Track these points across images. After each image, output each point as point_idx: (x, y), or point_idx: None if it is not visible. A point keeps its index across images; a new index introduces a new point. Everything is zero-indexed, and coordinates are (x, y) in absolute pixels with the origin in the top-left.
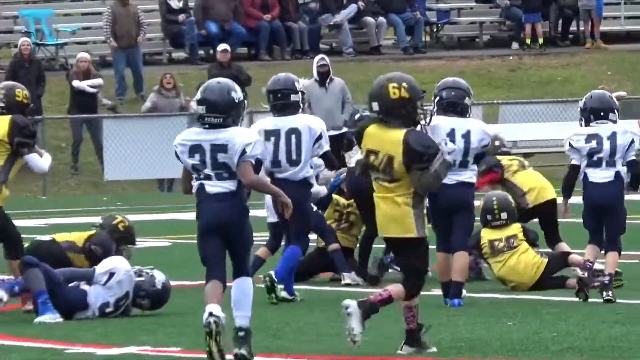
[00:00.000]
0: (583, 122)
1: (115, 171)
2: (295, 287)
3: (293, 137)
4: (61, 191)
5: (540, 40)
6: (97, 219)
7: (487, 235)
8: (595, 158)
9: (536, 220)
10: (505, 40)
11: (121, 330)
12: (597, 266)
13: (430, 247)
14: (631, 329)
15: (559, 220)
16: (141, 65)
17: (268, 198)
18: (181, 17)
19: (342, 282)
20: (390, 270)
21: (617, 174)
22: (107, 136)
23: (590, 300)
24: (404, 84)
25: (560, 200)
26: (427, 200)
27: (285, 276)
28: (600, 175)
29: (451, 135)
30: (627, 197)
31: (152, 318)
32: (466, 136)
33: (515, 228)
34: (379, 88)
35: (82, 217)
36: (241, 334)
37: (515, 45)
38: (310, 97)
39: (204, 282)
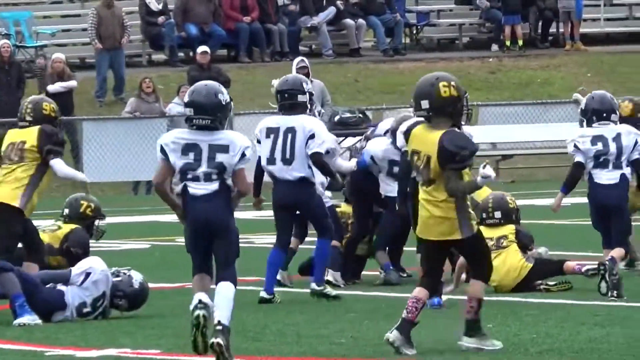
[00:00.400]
0: (585, 123)
1: (94, 173)
2: (276, 289)
3: (289, 135)
4: None
5: (520, 42)
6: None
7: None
8: (602, 159)
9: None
10: (484, 42)
11: (101, 333)
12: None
13: (409, 248)
14: (610, 331)
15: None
16: (124, 67)
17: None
18: (161, 19)
19: (324, 277)
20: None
21: (623, 175)
22: (86, 138)
23: (569, 302)
24: (452, 83)
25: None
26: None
27: (319, 272)
28: (607, 177)
29: None
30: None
31: (132, 320)
32: None
33: (508, 229)
34: (429, 86)
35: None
36: (219, 327)
37: (494, 47)
38: None
39: (184, 284)
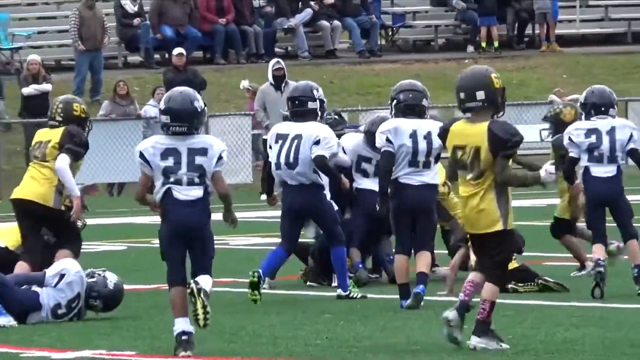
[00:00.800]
0: (583, 117)
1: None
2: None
3: (296, 142)
4: None
5: (496, 44)
6: None
7: None
8: (596, 153)
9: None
10: (460, 43)
11: (76, 334)
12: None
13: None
14: (586, 332)
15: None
16: (102, 69)
17: None
18: (136, 21)
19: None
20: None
21: (618, 168)
22: None
23: (545, 303)
24: (498, 75)
25: None
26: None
27: (342, 279)
28: (603, 170)
29: (414, 136)
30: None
31: (108, 322)
32: (428, 137)
33: None
34: (482, 77)
35: None
36: (199, 287)
37: (470, 48)
38: (265, 100)
39: (160, 285)
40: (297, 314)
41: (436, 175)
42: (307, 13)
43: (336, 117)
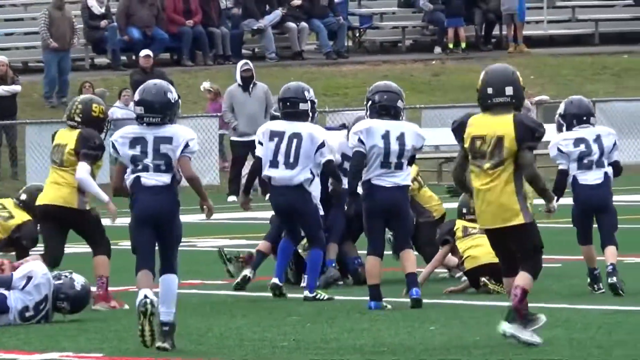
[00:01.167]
0: (565, 128)
1: (37, 177)
2: (215, 292)
3: (295, 141)
4: None
5: (463, 45)
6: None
7: (462, 223)
8: (585, 161)
9: None
10: (428, 44)
11: (43, 336)
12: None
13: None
14: (553, 333)
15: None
16: (69, 70)
17: None
18: (103, 22)
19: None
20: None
21: (606, 174)
22: (29, 142)
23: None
24: None
25: None
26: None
27: (312, 280)
28: (592, 177)
29: (386, 137)
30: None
31: (74, 324)
32: (400, 138)
33: None
34: (510, 74)
35: None
36: (165, 328)
37: (438, 49)
38: (233, 102)
39: (127, 287)
40: (264, 316)
41: (408, 176)
42: (276, 14)
43: None
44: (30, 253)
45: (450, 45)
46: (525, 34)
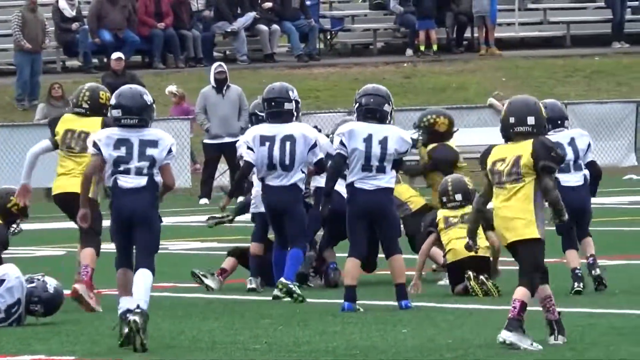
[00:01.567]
0: None
1: (8, 180)
2: (187, 295)
3: (288, 143)
4: None
5: (435, 47)
6: None
7: (443, 213)
8: (562, 165)
9: None
10: (399, 47)
11: (15, 339)
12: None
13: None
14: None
15: None
16: (40, 73)
17: (257, 188)
18: (74, 25)
19: (247, 287)
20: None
21: (584, 176)
22: (0, 145)
23: (484, 307)
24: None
25: None
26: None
27: (290, 272)
28: (573, 179)
29: (368, 140)
30: None
31: (46, 327)
32: (383, 142)
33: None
34: (533, 104)
35: None
36: (137, 310)
37: (409, 52)
38: (206, 103)
39: (99, 290)
40: (236, 319)
41: (392, 179)
42: (249, 17)
43: None
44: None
45: (422, 48)
46: (497, 37)
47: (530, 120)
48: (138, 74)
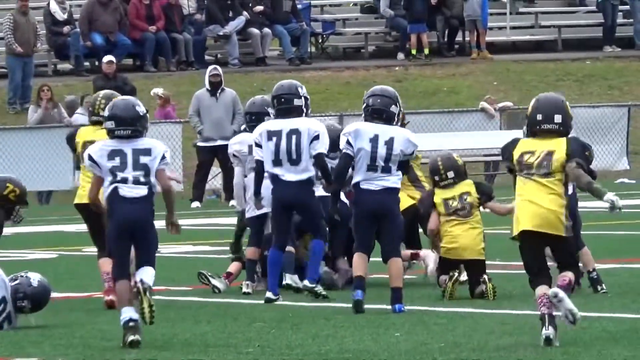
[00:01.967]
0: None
1: None
2: (180, 298)
3: (294, 137)
4: None
5: (426, 51)
6: None
7: (440, 194)
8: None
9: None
10: (390, 50)
11: (7, 343)
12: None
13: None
14: (519, 340)
15: None
16: (32, 76)
17: (251, 192)
18: (66, 28)
19: (284, 282)
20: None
21: (573, 184)
22: None
23: (477, 310)
24: None
25: None
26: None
27: (313, 270)
28: None
29: (374, 140)
30: None
31: (39, 330)
32: (389, 143)
33: (467, 184)
34: (561, 102)
35: None
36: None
37: (401, 55)
38: (200, 106)
39: (92, 293)
40: (229, 322)
41: (398, 180)
42: (241, 20)
43: None
44: None
45: (413, 52)
46: (488, 40)
47: (558, 118)
48: (129, 77)
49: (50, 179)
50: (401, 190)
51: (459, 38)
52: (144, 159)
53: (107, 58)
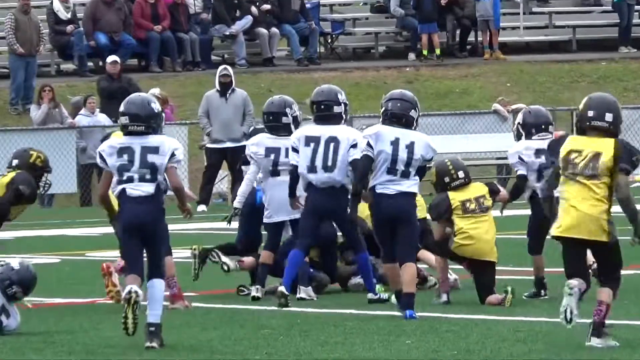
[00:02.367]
0: (524, 137)
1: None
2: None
3: (332, 145)
4: None
5: (438, 51)
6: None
7: (456, 196)
8: (544, 174)
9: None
10: (401, 51)
11: (9, 349)
12: None
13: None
14: (532, 348)
15: None
16: (35, 76)
17: (274, 197)
18: (69, 27)
19: (297, 296)
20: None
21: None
22: None
23: (490, 317)
24: None
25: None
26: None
27: (369, 282)
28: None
29: (395, 144)
30: (508, 212)
31: (41, 336)
32: (410, 147)
33: (480, 187)
34: (613, 102)
35: None
36: (152, 328)
37: (412, 56)
38: (209, 107)
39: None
40: (235, 329)
41: (415, 185)
42: (248, 20)
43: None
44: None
45: (425, 52)
46: (501, 41)
47: (609, 117)
48: (134, 77)
49: (53, 181)
50: None
51: (471, 38)
52: (151, 157)
53: (112, 58)
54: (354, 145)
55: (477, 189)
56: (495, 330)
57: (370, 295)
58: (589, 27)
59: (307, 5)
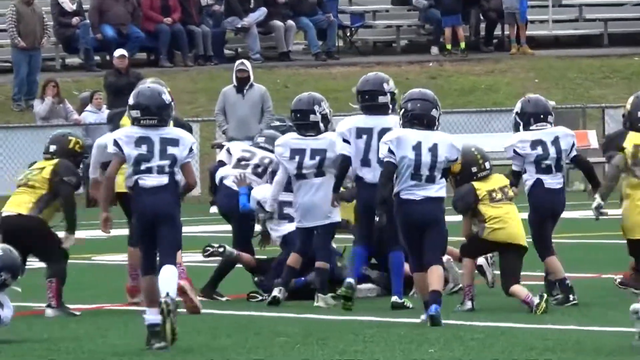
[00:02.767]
0: (522, 127)
1: (4, 184)
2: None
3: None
4: None
5: (462, 45)
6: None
7: (482, 187)
8: (543, 165)
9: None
10: (424, 45)
11: (12, 356)
12: None
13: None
14: (562, 357)
15: None
16: (39, 70)
17: (299, 201)
18: (75, 20)
19: (315, 304)
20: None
21: (563, 178)
22: None
23: (516, 325)
24: None
25: None
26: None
27: (397, 285)
28: (555, 182)
29: (417, 148)
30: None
31: (45, 344)
32: (433, 149)
33: (501, 178)
34: None
35: None
36: (157, 329)
37: (435, 50)
38: (226, 103)
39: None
40: (250, 336)
41: (442, 189)
42: (262, 12)
43: (290, 124)
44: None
45: (448, 46)
46: (529, 35)
47: None
48: (143, 72)
49: None
50: None
51: (497, 32)
52: (171, 149)
53: (119, 52)
54: None
55: (500, 179)
56: (522, 339)
57: (394, 299)
58: (622, 21)
59: None
